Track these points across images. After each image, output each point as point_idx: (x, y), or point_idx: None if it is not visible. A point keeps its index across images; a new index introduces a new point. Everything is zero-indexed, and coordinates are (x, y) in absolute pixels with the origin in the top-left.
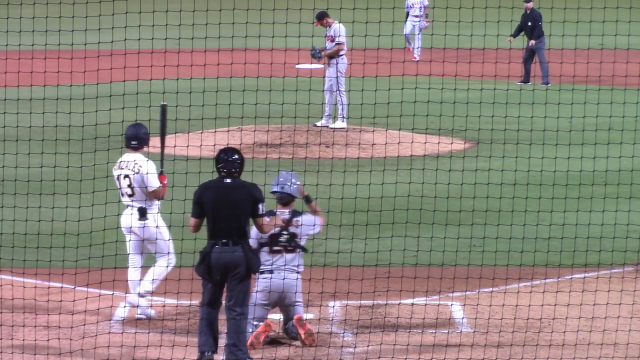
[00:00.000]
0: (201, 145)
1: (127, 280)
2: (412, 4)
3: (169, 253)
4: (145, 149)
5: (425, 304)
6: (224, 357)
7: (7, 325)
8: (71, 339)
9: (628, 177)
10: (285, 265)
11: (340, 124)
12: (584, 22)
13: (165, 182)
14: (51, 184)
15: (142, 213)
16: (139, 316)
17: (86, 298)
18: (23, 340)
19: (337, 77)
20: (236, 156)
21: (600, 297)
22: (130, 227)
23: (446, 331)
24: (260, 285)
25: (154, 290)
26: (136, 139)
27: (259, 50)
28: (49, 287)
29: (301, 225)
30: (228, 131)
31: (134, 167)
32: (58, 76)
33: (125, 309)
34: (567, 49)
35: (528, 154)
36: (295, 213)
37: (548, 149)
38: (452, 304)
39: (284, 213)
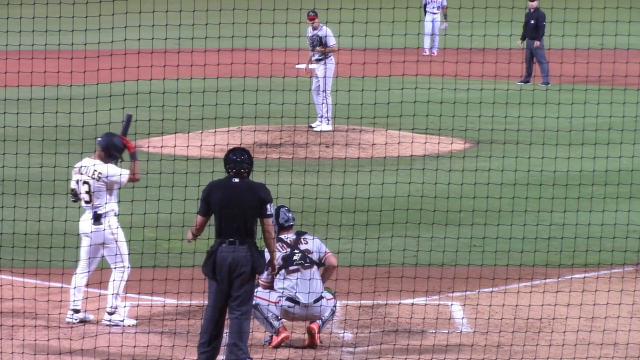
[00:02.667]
0: (201, 145)
1: (74, 287)
2: (430, 0)
3: (119, 254)
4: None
5: (425, 304)
6: (225, 357)
7: (7, 325)
8: (71, 339)
9: (628, 177)
10: (309, 292)
11: (325, 127)
12: (584, 22)
13: (130, 145)
14: (51, 184)
15: (97, 218)
16: (113, 323)
17: (86, 298)
18: (23, 340)
19: (325, 77)
20: (245, 156)
21: (600, 297)
22: (86, 232)
23: (446, 331)
24: (282, 310)
25: (118, 304)
26: (106, 148)
27: (259, 50)
28: (49, 287)
29: (309, 242)
30: (228, 131)
31: (92, 173)
32: (58, 76)
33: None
34: (567, 49)
35: (528, 154)
36: (300, 233)
37: (548, 149)
38: (452, 304)
39: (289, 237)
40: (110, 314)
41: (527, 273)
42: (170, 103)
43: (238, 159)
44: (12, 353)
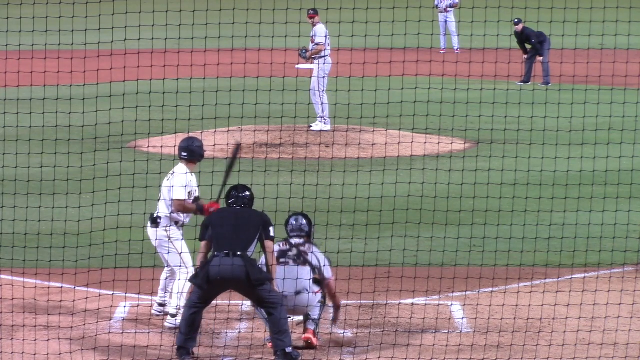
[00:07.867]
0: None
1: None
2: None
3: (180, 267)
4: (197, 163)
5: (425, 304)
6: (272, 346)
7: (7, 325)
8: (71, 339)
9: (628, 177)
10: (297, 279)
11: (323, 126)
12: (584, 22)
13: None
14: (51, 184)
15: (153, 221)
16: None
17: (86, 298)
18: (23, 340)
19: (318, 77)
20: (247, 193)
21: (600, 297)
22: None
23: (446, 331)
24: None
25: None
26: (187, 151)
27: (259, 50)
28: (49, 287)
29: (312, 251)
30: (228, 131)
31: (169, 174)
32: (58, 76)
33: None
34: (567, 49)
35: (528, 154)
36: (309, 241)
37: (548, 149)
38: (452, 304)
39: (296, 240)
40: (173, 316)
41: (527, 273)
42: (170, 103)
43: (240, 195)
44: (12, 353)
